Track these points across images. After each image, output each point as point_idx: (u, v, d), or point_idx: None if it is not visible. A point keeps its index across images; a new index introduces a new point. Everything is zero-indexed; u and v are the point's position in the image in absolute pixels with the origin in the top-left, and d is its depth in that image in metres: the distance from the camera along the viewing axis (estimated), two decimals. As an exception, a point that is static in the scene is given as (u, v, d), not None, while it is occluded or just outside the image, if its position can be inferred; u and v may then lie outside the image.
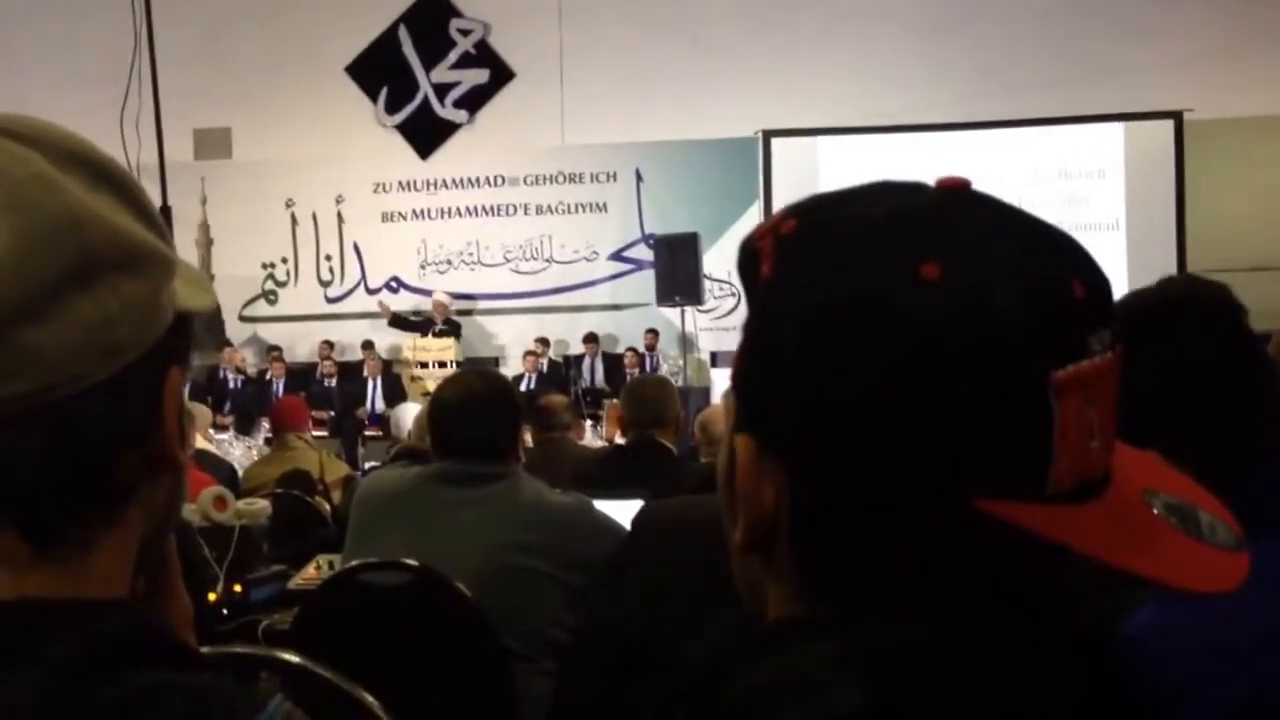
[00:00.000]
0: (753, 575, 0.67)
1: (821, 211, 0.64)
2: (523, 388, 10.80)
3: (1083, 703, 0.57)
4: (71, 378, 0.65)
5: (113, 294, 0.66)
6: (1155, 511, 0.62)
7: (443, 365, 11.99)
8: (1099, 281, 0.61)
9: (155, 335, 0.69)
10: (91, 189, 0.68)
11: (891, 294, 0.59)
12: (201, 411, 6.45)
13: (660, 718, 0.60)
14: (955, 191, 0.63)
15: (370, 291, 13.72)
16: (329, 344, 13.08)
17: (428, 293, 13.36)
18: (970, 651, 0.58)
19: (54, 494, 0.66)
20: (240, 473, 5.47)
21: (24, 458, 0.65)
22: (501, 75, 13.70)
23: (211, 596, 2.87)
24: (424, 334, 12.76)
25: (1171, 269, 11.52)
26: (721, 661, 0.60)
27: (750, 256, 0.65)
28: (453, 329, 12.79)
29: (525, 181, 13.54)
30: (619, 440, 5.49)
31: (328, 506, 4.51)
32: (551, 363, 12.72)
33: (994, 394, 0.57)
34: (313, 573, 3.07)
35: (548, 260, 13.55)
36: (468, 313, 13.37)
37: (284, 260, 13.87)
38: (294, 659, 1.69)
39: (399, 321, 13.01)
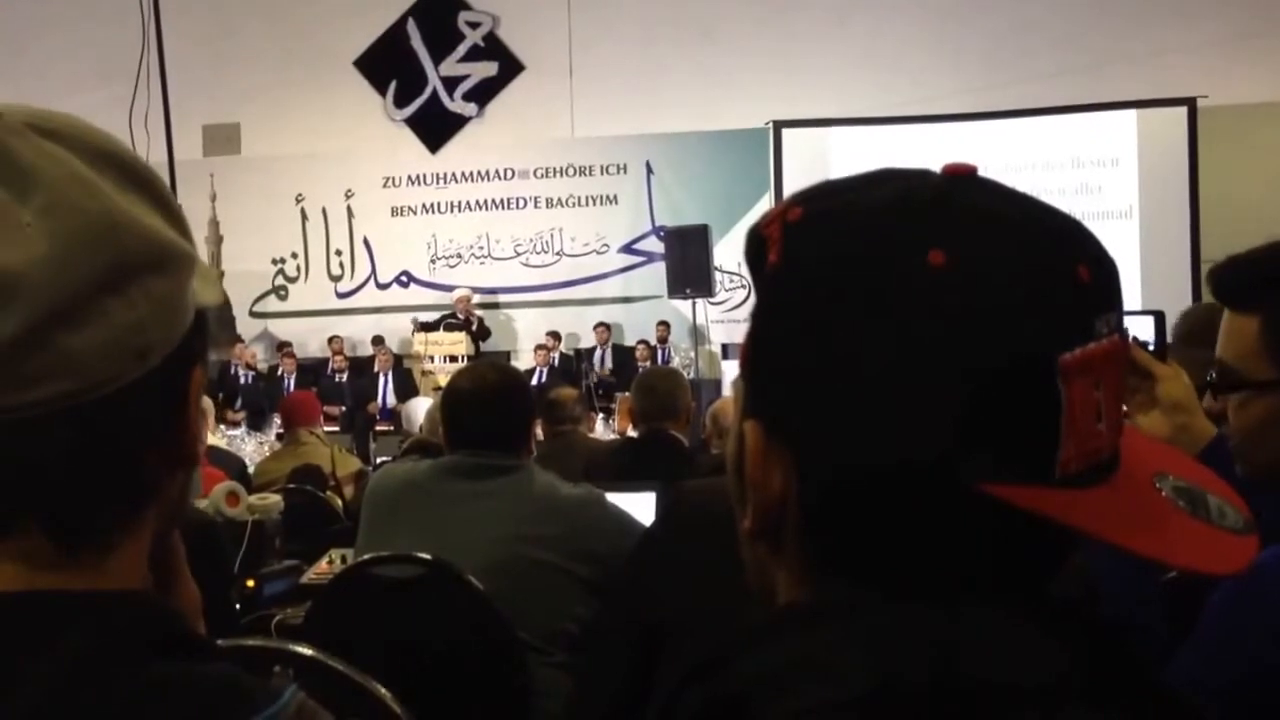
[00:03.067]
0: (762, 561, 0.68)
1: (828, 199, 0.65)
2: (534, 381, 10.81)
3: (1091, 684, 0.57)
4: (105, 380, 0.66)
5: (144, 296, 0.67)
6: (1164, 494, 0.62)
7: (453, 359, 12.01)
8: (1105, 265, 0.62)
9: (181, 334, 0.70)
10: (122, 188, 0.68)
11: (897, 280, 0.59)
12: (207, 405, 6.46)
13: (672, 702, 0.60)
14: (960, 178, 0.64)
15: (380, 286, 13.75)
16: (339, 339, 13.11)
17: (438, 287, 13.40)
18: (978, 634, 0.58)
19: (83, 494, 0.67)
20: (251, 468, 5.48)
21: (55, 459, 0.66)
22: (510, 68, 13.70)
23: (224, 591, 2.88)
24: (434, 328, 12.78)
25: (1185, 257, 11.50)
26: (732, 646, 0.60)
27: (758, 244, 0.66)
28: (480, 330, 12.74)
29: (535, 174, 13.55)
30: (630, 433, 5.49)
31: (339, 501, 4.52)
32: (563, 356, 12.74)
33: (1000, 379, 0.58)
34: (325, 567, 3.08)
35: (558, 253, 13.56)
36: (479, 306, 13.38)
37: (294, 255, 13.90)
38: (307, 651, 1.70)
39: (426, 327, 12.99)
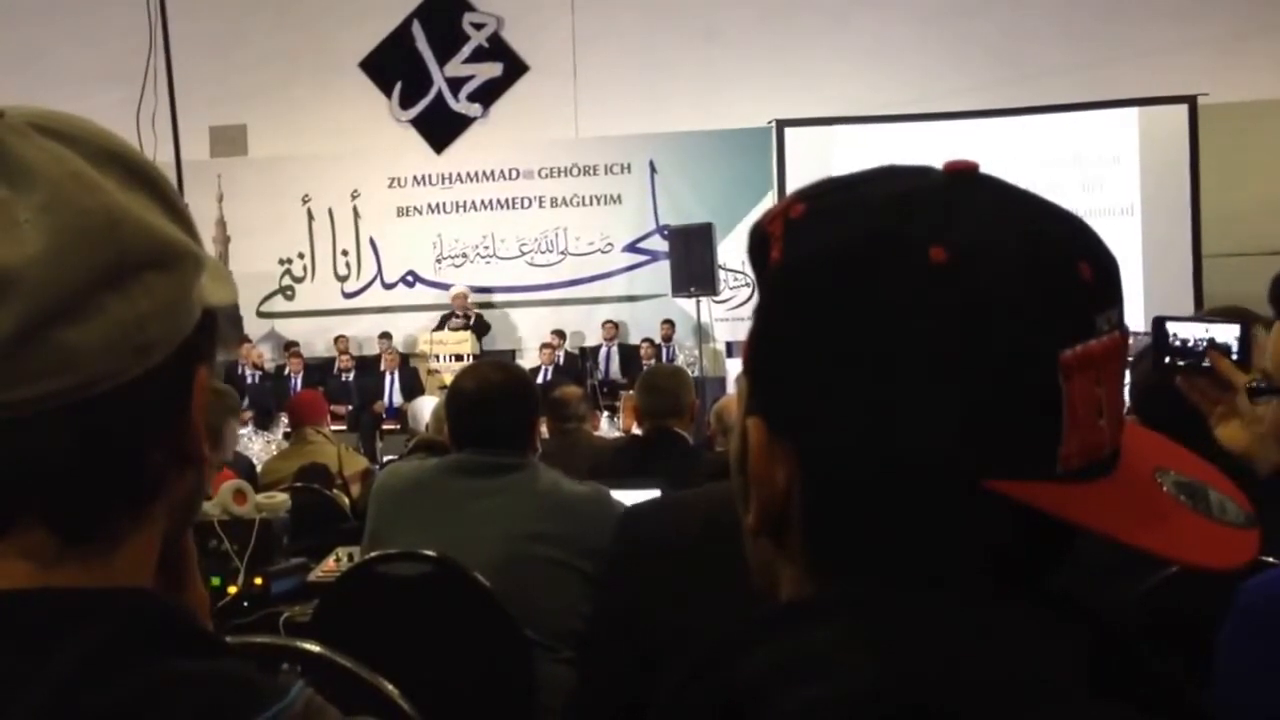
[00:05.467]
0: (765, 557, 0.68)
1: (830, 195, 0.65)
2: (539, 380, 10.81)
3: (1094, 679, 0.58)
4: (105, 376, 0.66)
5: (145, 293, 0.67)
6: (1165, 489, 0.63)
7: (459, 358, 12.01)
8: (1106, 262, 0.62)
9: (185, 333, 0.70)
10: (125, 186, 0.68)
11: (899, 277, 0.59)
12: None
13: (675, 697, 0.61)
14: (962, 174, 0.64)
15: (386, 286, 13.77)
16: (345, 338, 13.13)
17: (444, 287, 13.41)
18: (982, 630, 0.58)
19: (85, 491, 0.67)
20: (259, 467, 5.49)
21: (56, 455, 0.65)
22: (515, 69, 13.70)
23: (232, 589, 2.88)
24: (440, 327, 12.80)
25: (1187, 254, 11.49)
26: (735, 641, 0.60)
27: (761, 240, 0.66)
28: (479, 324, 12.79)
29: (539, 174, 13.55)
30: (635, 431, 5.49)
31: (346, 500, 4.52)
32: (568, 355, 12.75)
33: (1002, 375, 0.58)
34: (332, 565, 3.09)
35: (563, 253, 13.57)
36: (485, 305, 13.40)
37: (300, 256, 13.92)
38: (315, 648, 1.70)
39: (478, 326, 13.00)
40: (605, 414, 9.15)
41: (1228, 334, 1.70)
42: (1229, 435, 1.63)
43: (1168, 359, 1.70)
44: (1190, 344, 1.70)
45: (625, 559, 1.47)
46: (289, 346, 13.26)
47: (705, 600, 0.99)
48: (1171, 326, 1.72)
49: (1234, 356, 1.68)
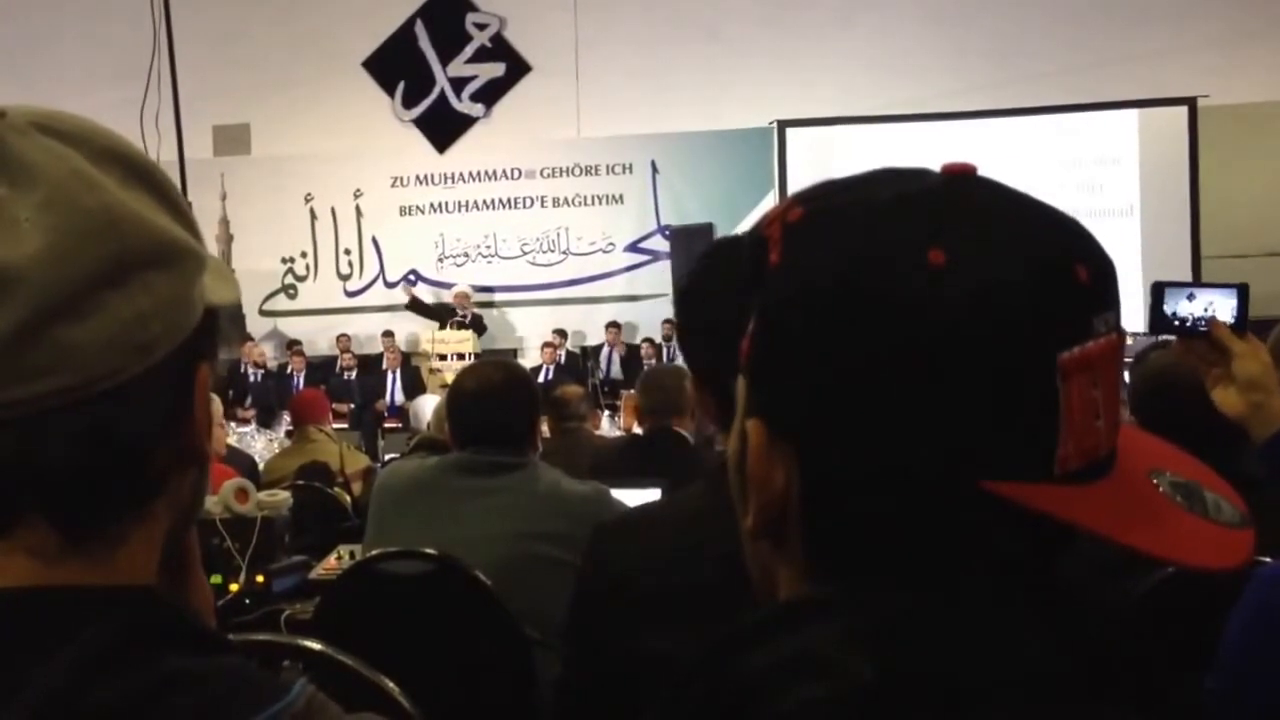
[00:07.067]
0: (764, 559, 0.68)
1: (828, 198, 0.65)
2: (541, 379, 10.82)
3: (1092, 679, 0.58)
4: (106, 374, 0.66)
5: (146, 291, 0.67)
6: (1161, 490, 0.63)
7: (461, 357, 12.01)
8: (1102, 264, 0.62)
9: (186, 331, 0.70)
10: (125, 185, 0.68)
11: (898, 280, 0.59)
12: (215, 403, 6.47)
13: (674, 697, 0.61)
14: (960, 176, 0.64)
15: (389, 285, 13.78)
16: (347, 337, 13.15)
17: (446, 285, 13.42)
18: (979, 630, 0.58)
19: (87, 489, 0.67)
20: (261, 465, 5.50)
21: (58, 453, 0.66)
22: (517, 69, 13.71)
23: (234, 587, 2.89)
24: (442, 325, 12.81)
25: (1186, 255, 11.50)
26: (734, 640, 0.61)
27: (759, 244, 0.66)
28: (475, 323, 12.83)
29: (541, 174, 13.57)
30: (636, 430, 5.49)
31: (348, 498, 4.53)
32: (569, 354, 12.76)
33: (1000, 376, 0.58)
34: (333, 563, 3.10)
35: (564, 252, 13.58)
36: (486, 305, 13.41)
37: (303, 255, 13.93)
38: (316, 646, 1.71)
39: (417, 305, 13.04)
40: (606, 413, 9.15)
41: (1226, 302, 1.73)
42: (1225, 400, 1.65)
43: (1171, 323, 1.74)
44: (1189, 317, 1.73)
45: (595, 591, 1.43)
46: (291, 345, 13.27)
47: (681, 626, 0.98)
48: (1171, 298, 1.74)
49: (1232, 322, 1.71)
